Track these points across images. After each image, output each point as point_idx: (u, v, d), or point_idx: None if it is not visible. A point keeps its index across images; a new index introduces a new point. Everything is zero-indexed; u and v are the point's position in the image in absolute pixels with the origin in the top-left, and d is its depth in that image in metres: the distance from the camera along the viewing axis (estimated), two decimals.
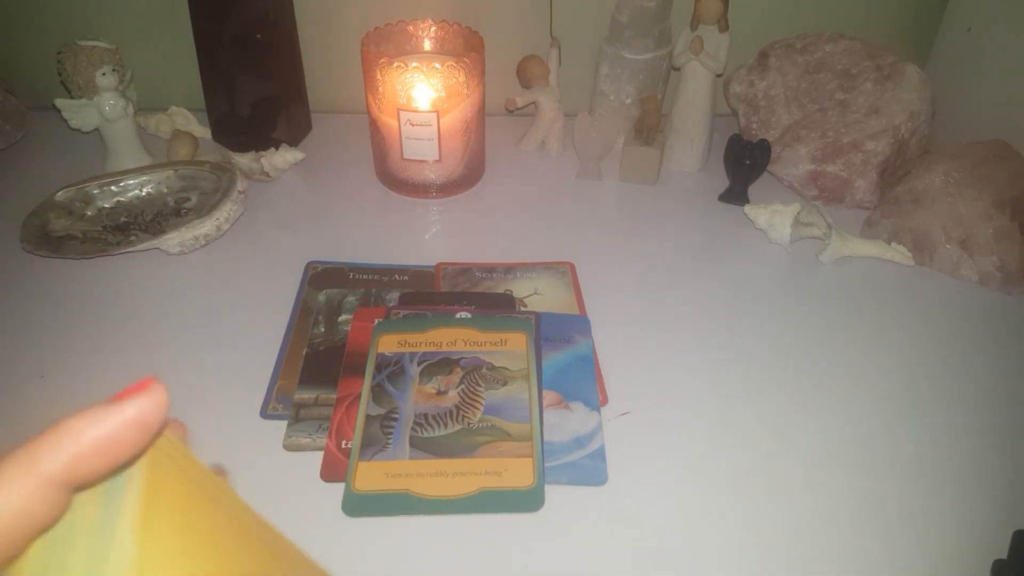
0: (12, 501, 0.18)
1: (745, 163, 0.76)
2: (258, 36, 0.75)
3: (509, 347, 0.57)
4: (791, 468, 0.52)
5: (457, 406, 0.53)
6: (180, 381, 0.56)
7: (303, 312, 0.62)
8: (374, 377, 0.55)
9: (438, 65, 0.68)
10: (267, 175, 0.77)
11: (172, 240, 0.66)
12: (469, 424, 0.52)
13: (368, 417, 0.52)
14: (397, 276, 0.66)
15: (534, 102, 0.82)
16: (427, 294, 0.64)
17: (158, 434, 0.21)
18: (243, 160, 0.77)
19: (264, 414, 0.54)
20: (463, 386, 0.54)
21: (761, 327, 0.63)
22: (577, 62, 0.84)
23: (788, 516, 0.49)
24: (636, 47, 0.79)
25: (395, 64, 0.68)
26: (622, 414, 0.55)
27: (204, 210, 0.68)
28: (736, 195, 0.78)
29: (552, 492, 0.49)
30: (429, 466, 0.49)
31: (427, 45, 0.77)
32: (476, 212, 0.76)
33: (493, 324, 0.59)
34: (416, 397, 0.54)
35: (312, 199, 0.77)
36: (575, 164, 0.82)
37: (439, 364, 0.56)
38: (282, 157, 0.77)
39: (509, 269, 0.68)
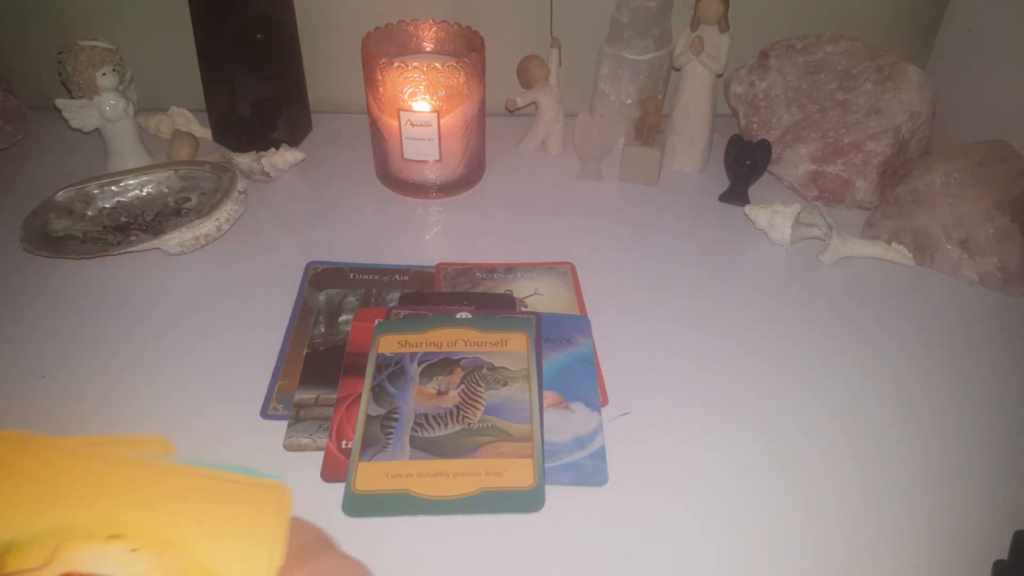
0: None
1: (745, 163, 0.76)
2: (258, 36, 0.75)
3: (509, 347, 0.57)
4: (791, 468, 0.52)
5: (457, 406, 0.53)
6: (180, 381, 0.56)
7: (303, 312, 0.62)
8: (374, 377, 0.55)
9: (438, 65, 0.68)
10: (267, 175, 0.77)
11: (172, 240, 0.66)
12: (469, 424, 0.52)
13: (368, 417, 0.52)
14: (397, 276, 0.66)
15: (534, 102, 0.82)
16: (427, 294, 0.64)
17: None
18: (243, 160, 0.76)
19: (264, 414, 0.54)
20: (463, 386, 0.54)
21: (761, 327, 0.63)
22: (577, 62, 0.83)
23: (788, 516, 0.49)
24: (636, 47, 0.79)
25: (395, 64, 0.68)
26: (623, 414, 0.55)
27: (204, 210, 0.68)
28: (736, 195, 0.78)
29: (553, 492, 0.49)
30: (429, 466, 0.49)
31: (427, 45, 0.77)
32: (476, 212, 0.76)
33: (493, 324, 0.59)
34: (416, 397, 0.54)
35: (312, 199, 0.77)
36: (575, 164, 0.82)
37: (439, 364, 0.56)
38: (282, 157, 0.77)
39: (509, 269, 0.68)
